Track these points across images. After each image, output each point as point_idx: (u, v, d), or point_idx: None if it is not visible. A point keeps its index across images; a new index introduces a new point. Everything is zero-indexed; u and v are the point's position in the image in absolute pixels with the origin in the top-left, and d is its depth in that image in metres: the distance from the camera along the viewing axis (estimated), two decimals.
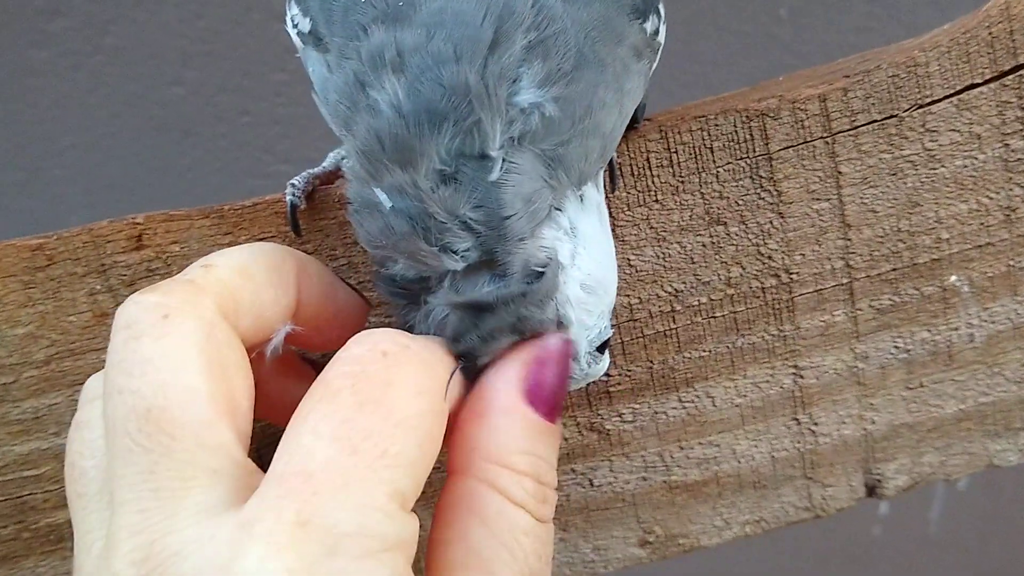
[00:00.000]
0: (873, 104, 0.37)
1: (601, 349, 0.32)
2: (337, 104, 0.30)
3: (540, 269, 0.28)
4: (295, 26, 0.34)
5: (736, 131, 0.37)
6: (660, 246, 0.37)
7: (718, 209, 0.37)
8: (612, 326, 0.33)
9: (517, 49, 0.27)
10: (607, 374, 0.38)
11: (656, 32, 0.33)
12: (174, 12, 0.65)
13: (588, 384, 0.38)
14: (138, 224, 0.36)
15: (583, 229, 0.30)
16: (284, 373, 0.31)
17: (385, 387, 0.24)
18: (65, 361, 0.37)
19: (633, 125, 0.36)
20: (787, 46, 0.66)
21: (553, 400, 0.28)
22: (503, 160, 0.27)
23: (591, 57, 0.29)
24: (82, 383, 0.36)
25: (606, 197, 0.37)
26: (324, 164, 0.38)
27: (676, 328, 0.38)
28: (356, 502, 0.22)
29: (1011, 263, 0.39)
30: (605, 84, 0.30)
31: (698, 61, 0.66)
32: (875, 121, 0.37)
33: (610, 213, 0.37)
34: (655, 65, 0.34)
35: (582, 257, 0.30)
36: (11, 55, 0.65)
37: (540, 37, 0.28)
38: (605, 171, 0.35)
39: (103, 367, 0.26)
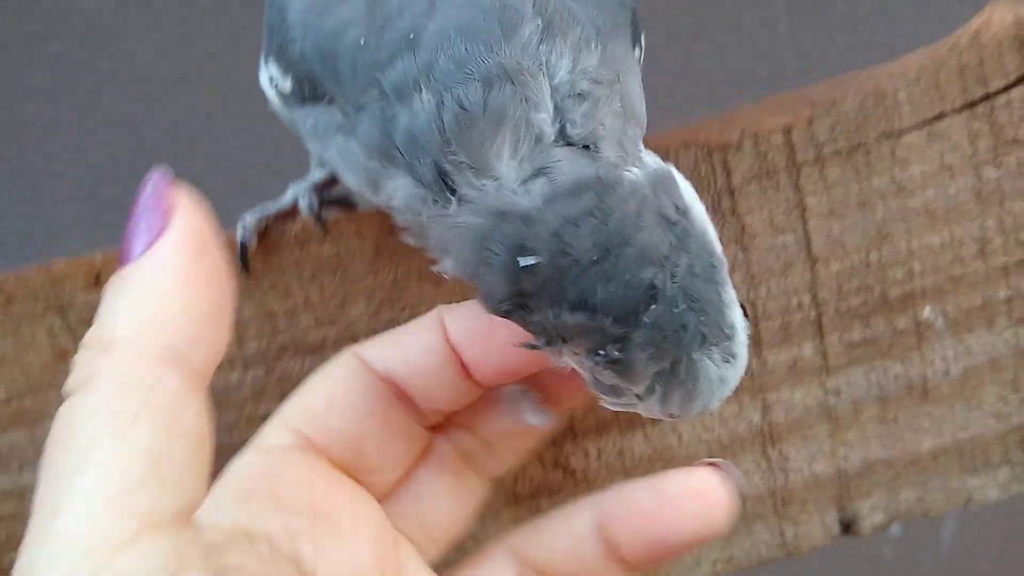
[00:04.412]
0: (839, 134, 0.36)
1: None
2: (363, 157, 0.29)
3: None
4: (274, 85, 0.34)
5: (698, 164, 0.36)
6: None
7: None
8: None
9: (527, 35, 0.27)
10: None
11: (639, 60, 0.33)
12: (169, 34, 0.66)
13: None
14: (96, 263, 0.36)
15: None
16: None
17: None
18: (25, 399, 0.37)
19: None
20: (787, 61, 0.65)
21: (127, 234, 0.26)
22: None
23: (611, 33, 0.29)
24: (43, 421, 0.37)
25: None
26: (283, 200, 0.38)
27: None
28: None
29: (986, 295, 0.37)
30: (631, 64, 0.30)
31: (695, 77, 0.66)
32: (842, 152, 0.36)
33: None
34: None
35: None
36: (4, 79, 0.66)
37: (547, 20, 0.27)
38: None
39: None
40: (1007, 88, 0.36)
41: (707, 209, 0.35)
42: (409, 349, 0.31)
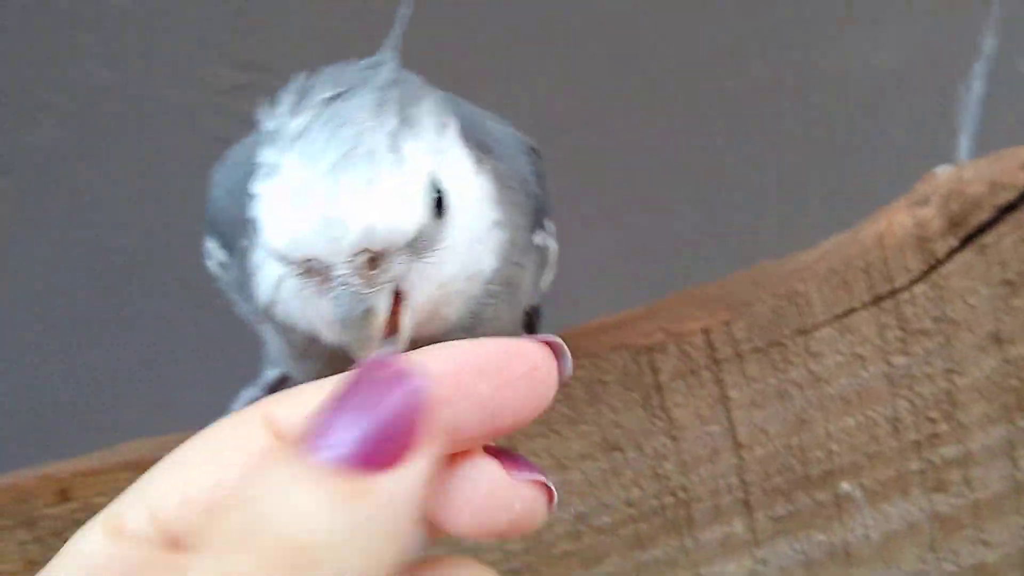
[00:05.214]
0: (756, 333, 0.38)
1: None
2: None
3: None
4: (213, 259, 0.36)
5: (626, 365, 0.38)
6: (561, 473, 0.39)
7: (614, 437, 0.39)
8: None
9: None
10: None
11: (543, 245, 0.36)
12: (129, 164, 0.67)
13: None
14: (63, 479, 0.38)
15: None
16: None
17: None
18: None
19: None
20: (722, 167, 0.68)
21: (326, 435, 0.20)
22: None
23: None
24: None
25: None
26: (234, 406, 0.39)
27: (581, 547, 0.40)
28: None
29: (900, 468, 0.40)
30: None
31: (636, 184, 0.68)
32: (759, 349, 0.38)
33: (511, 445, 0.39)
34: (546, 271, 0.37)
35: None
36: None
37: None
38: None
39: None
40: (911, 284, 0.38)
41: (638, 405, 0.38)
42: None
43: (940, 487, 0.40)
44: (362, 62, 0.29)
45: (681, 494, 0.40)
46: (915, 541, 0.41)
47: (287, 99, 0.28)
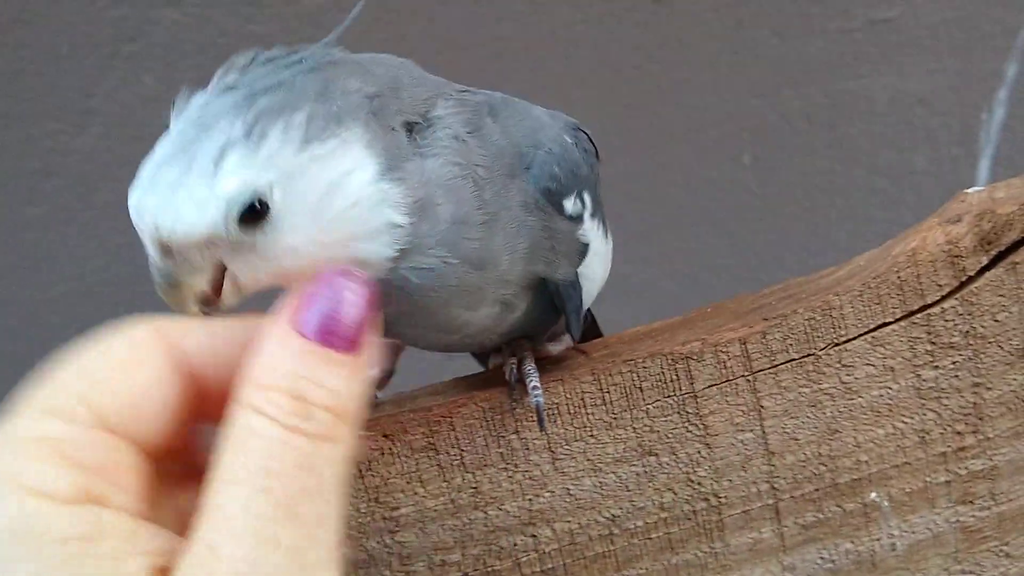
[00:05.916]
0: (791, 344, 0.39)
1: None
2: None
3: None
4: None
5: (663, 372, 0.39)
6: (597, 476, 0.40)
7: (649, 442, 0.40)
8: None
9: None
10: None
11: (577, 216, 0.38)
12: None
13: None
14: None
15: None
16: None
17: None
18: None
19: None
20: (750, 190, 0.69)
21: (328, 325, 0.27)
22: None
23: None
24: None
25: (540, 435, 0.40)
26: None
27: (615, 549, 0.41)
28: None
29: (927, 479, 0.41)
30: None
31: (667, 206, 0.69)
32: (793, 360, 0.40)
33: (549, 448, 0.40)
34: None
35: None
36: (7, 211, 0.69)
37: None
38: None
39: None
40: (942, 299, 0.39)
41: (674, 411, 0.39)
42: (221, 336, 0.29)
43: (966, 499, 0.41)
44: (288, 55, 0.32)
45: (713, 500, 0.41)
46: (940, 552, 0.42)
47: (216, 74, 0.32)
